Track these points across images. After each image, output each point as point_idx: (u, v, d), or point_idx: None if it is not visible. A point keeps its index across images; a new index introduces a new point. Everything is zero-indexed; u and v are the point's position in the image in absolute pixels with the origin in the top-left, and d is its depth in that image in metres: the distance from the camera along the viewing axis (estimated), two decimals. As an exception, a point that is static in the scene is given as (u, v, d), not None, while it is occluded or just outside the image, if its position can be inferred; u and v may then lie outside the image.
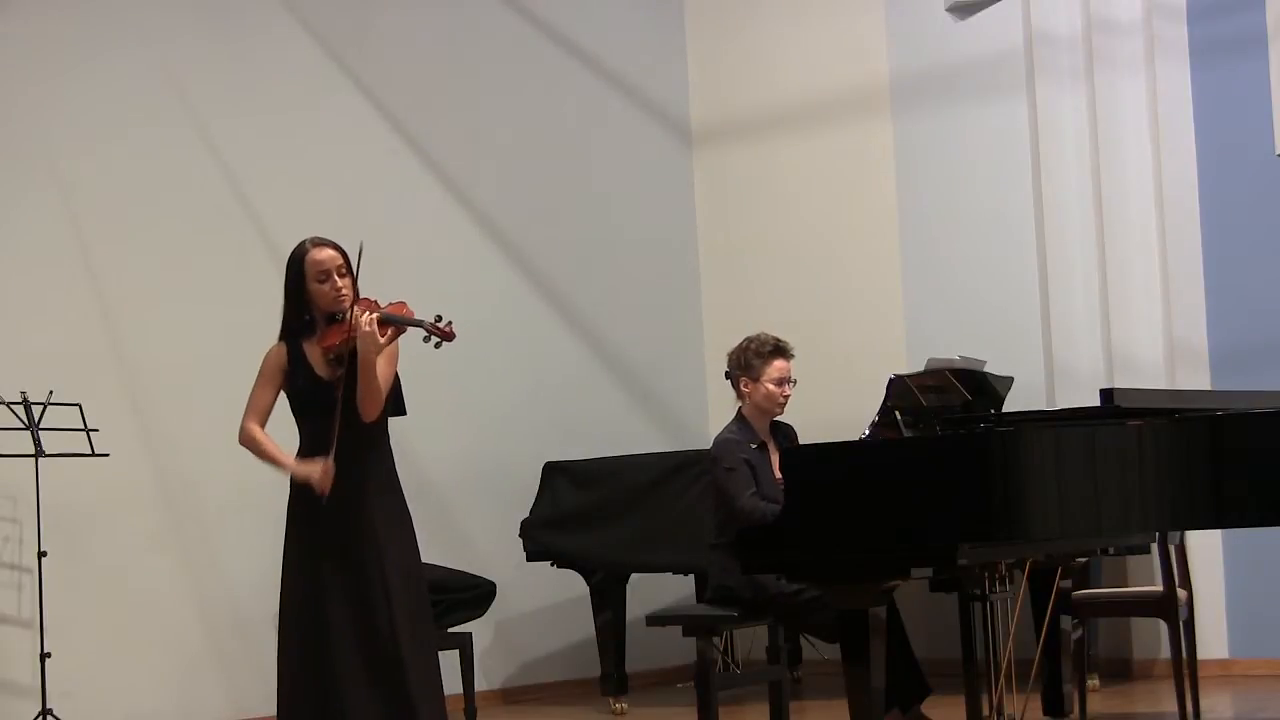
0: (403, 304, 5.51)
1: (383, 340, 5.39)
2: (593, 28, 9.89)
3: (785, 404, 6.68)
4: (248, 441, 5.58)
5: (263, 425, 5.57)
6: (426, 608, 5.59)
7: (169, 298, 8.08)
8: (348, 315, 5.46)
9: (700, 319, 10.17)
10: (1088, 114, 8.83)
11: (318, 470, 5.40)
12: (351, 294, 5.50)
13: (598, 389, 9.67)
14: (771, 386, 6.63)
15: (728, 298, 10.08)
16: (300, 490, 5.51)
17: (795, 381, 6.69)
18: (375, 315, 5.39)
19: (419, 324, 5.40)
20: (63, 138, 7.87)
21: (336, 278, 5.49)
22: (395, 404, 5.58)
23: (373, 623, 5.38)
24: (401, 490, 5.59)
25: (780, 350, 6.68)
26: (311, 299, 5.52)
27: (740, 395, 6.71)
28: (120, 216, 7.99)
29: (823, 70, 9.79)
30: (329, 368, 5.49)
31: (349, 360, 5.43)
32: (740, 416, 6.71)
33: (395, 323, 5.44)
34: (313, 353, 5.53)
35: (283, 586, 5.56)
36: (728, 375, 6.77)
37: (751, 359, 6.66)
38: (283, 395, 5.59)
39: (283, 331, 5.58)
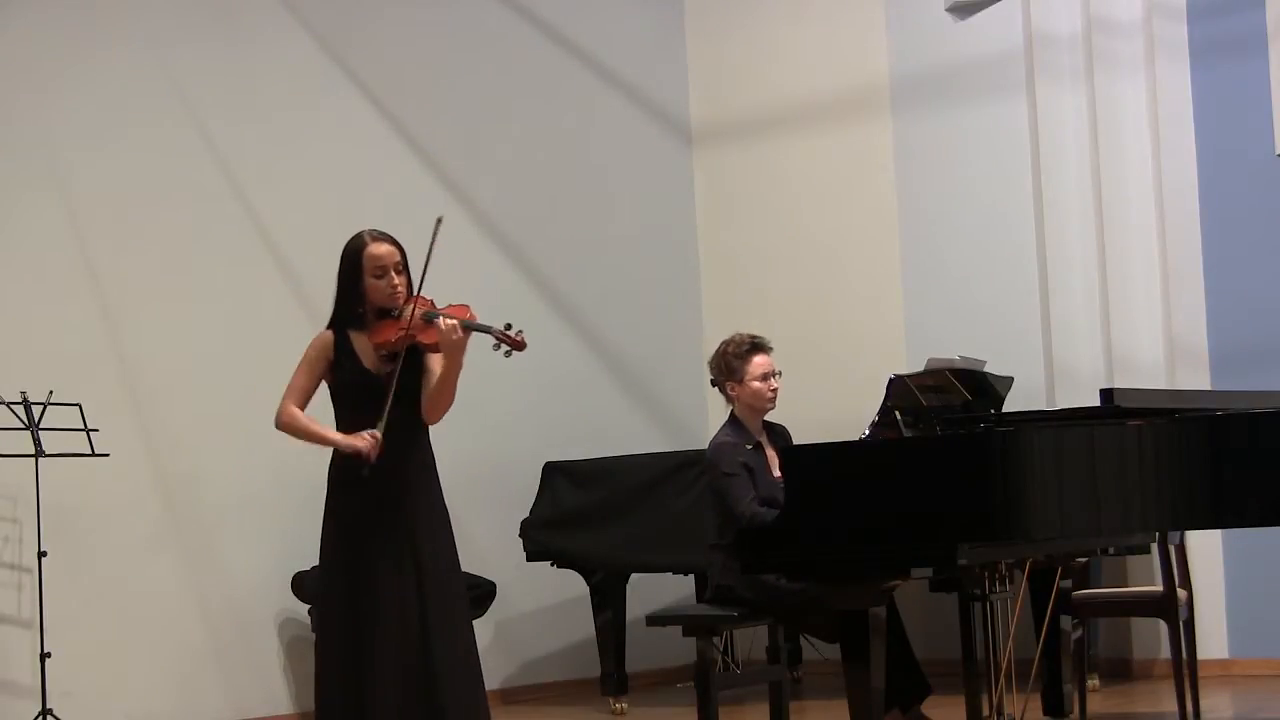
0: (465, 307, 5.45)
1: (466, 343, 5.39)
2: (592, 28, 9.89)
3: (774, 397, 6.63)
4: (287, 423, 5.50)
5: (302, 410, 5.52)
6: (465, 608, 5.59)
7: (169, 298, 8.08)
8: (403, 312, 5.45)
9: (700, 319, 10.17)
10: (1088, 114, 8.82)
11: (366, 440, 5.35)
12: (406, 290, 5.49)
13: (598, 389, 9.67)
14: (757, 384, 6.59)
15: (728, 298, 10.08)
16: (341, 482, 5.46)
17: (780, 373, 6.65)
18: (459, 323, 5.35)
19: (487, 330, 5.37)
20: (63, 138, 7.87)
21: (394, 274, 5.47)
22: None
23: (410, 620, 5.35)
24: (440, 486, 5.57)
25: (758, 346, 6.63)
26: (366, 293, 5.50)
27: (729, 399, 6.68)
28: (120, 216, 7.99)
29: (823, 70, 9.79)
30: (380, 362, 5.47)
31: (404, 356, 5.39)
32: (733, 418, 6.68)
33: (467, 328, 5.40)
34: (361, 345, 5.49)
35: (324, 579, 5.52)
36: (713, 383, 6.74)
37: (731, 361, 6.62)
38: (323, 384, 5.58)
39: (332, 321, 5.56)
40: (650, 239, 10.05)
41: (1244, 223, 8.57)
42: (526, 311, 9.31)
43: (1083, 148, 8.84)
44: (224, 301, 8.20)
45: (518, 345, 5.37)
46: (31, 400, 7.26)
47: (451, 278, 8.70)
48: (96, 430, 7.30)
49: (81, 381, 7.48)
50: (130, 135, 8.05)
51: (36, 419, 7.24)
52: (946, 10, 9.37)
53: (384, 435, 5.34)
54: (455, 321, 5.34)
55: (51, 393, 7.28)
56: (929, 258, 9.41)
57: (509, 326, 5.37)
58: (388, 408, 5.35)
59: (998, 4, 9.18)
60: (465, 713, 5.39)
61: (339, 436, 5.43)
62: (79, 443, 7.28)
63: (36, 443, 7.23)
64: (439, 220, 5.40)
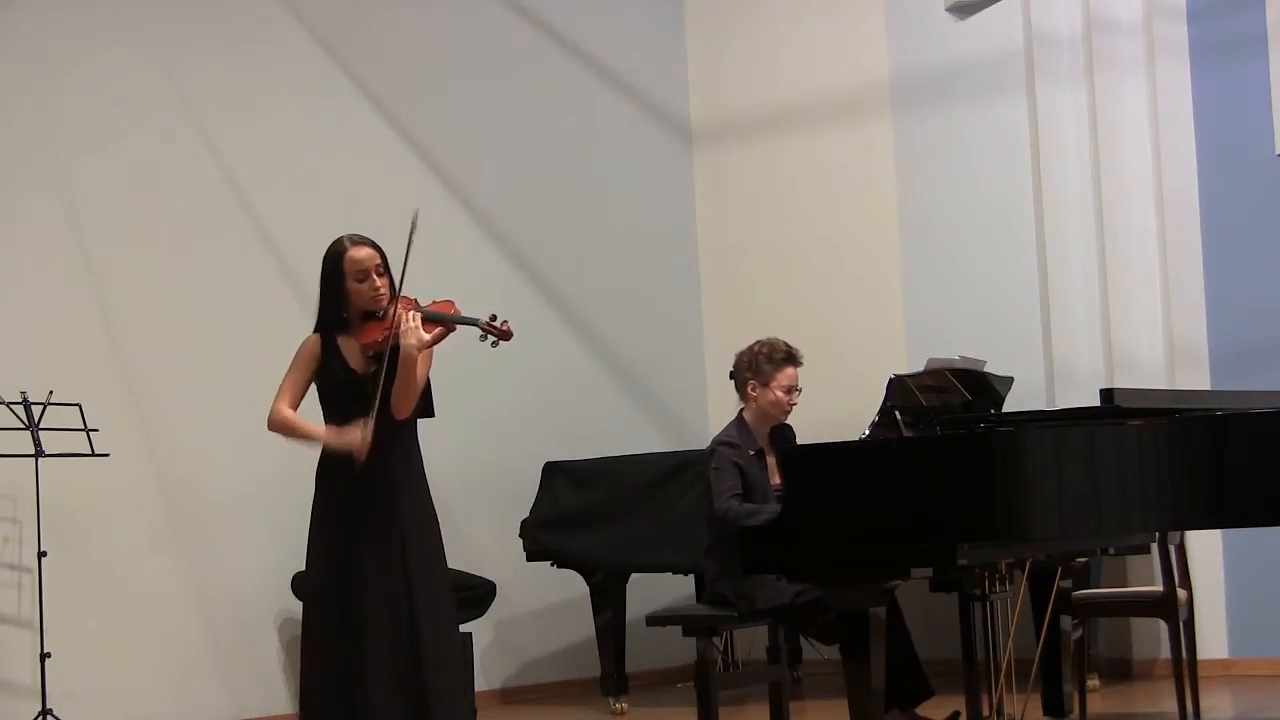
0: (450, 303, 5.49)
1: (429, 338, 5.39)
2: (593, 28, 9.89)
3: (790, 411, 6.66)
4: (279, 424, 5.55)
5: (293, 411, 5.56)
6: (451, 607, 5.59)
7: (169, 298, 8.08)
8: (387, 313, 5.46)
9: (700, 319, 10.17)
10: (1088, 114, 8.83)
11: (356, 436, 5.38)
12: (389, 292, 5.50)
13: (598, 389, 9.67)
14: (780, 394, 6.59)
15: (728, 298, 10.08)
16: (327, 484, 5.50)
17: (800, 390, 6.67)
18: (419, 314, 5.38)
19: (473, 323, 5.40)
20: (63, 138, 7.87)
21: (375, 277, 5.49)
22: (424, 405, 5.58)
23: (397, 619, 5.37)
24: (429, 490, 5.59)
25: (793, 358, 6.64)
26: (349, 297, 5.52)
27: (745, 398, 6.66)
28: (120, 216, 7.99)
29: (823, 70, 9.79)
30: (367, 364, 5.49)
31: (389, 356, 5.41)
32: (740, 420, 6.67)
33: (446, 321, 5.42)
34: (348, 347, 5.52)
35: (308, 578, 5.55)
36: (733, 375, 6.72)
37: (763, 363, 6.61)
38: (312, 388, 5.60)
39: (318, 324, 5.58)
40: (650, 239, 10.05)
41: (1244, 223, 8.57)
42: (527, 311, 9.34)
43: (1083, 148, 8.84)
44: (224, 301, 8.20)
45: (504, 335, 5.40)
46: (31, 400, 7.25)
47: (452, 278, 8.77)
48: (96, 430, 7.31)
49: (81, 381, 7.48)
50: (130, 135, 8.05)
51: (36, 419, 7.24)
52: (946, 10, 9.37)
53: (373, 432, 5.36)
54: (414, 313, 5.38)
55: (51, 393, 7.28)
56: (929, 257, 9.41)
57: (494, 317, 5.39)
58: (376, 404, 5.37)
59: (998, 4, 9.18)
60: (451, 712, 5.41)
61: (330, 434, 5.47)
62: (79, 443, 7.28)
63: (36, 443, 7.23)
64: (415, 216, 5.40)
